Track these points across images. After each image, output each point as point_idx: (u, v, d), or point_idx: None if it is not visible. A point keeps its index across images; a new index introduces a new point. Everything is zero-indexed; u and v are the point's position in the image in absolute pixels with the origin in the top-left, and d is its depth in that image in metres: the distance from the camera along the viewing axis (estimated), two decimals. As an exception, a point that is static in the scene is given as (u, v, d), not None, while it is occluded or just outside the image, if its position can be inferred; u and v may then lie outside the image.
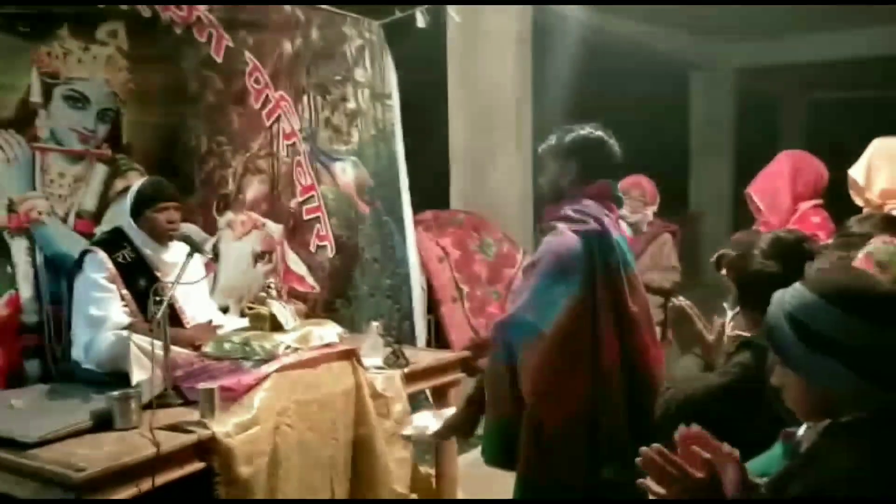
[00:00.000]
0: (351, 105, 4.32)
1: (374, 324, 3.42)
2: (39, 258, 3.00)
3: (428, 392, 3.71)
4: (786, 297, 1.38)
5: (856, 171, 3.01)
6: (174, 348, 2.71)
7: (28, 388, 2.85)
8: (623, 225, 2.56)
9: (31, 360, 2.97)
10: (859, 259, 1.91)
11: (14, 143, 2.95)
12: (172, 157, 3.52)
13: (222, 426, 2.45)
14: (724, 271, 2.18)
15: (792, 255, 1.92)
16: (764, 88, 12.81)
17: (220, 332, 3.03)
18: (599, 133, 2.49)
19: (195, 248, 2.85)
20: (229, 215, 3.74)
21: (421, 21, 4.39)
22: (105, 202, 3.23)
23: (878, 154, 2.98)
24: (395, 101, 4.59)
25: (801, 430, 1.45)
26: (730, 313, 2.26)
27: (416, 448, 3.23)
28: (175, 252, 2.98)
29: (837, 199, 3.21)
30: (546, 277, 2.32)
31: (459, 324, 5.35)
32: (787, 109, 14.30)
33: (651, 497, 1.41)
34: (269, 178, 3.92)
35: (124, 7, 3.25)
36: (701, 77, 11.52)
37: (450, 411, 2.81)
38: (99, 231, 3.15)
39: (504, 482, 2.60)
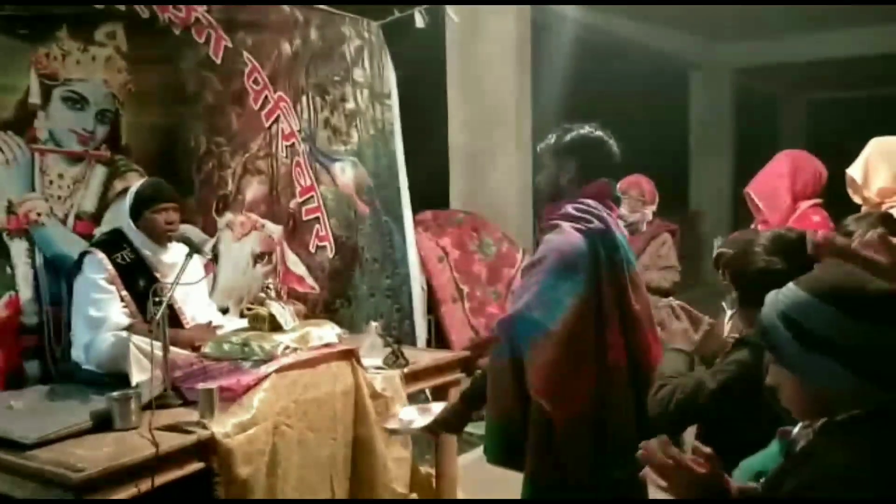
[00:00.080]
0: (350, 105, 4.32)
1: (374, 324, 3.42)
2: (39, 259, 3.00)
3: (428, 392, 3.71)
4: (779, 297, 1.38)
5: (854, 170, 3.01)
6: (173, 349, 2.72)
7: (28, 388, 2.86)
8: (620, 224, 2.55)
9: (30, 361, 2.97)
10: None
11: (13, 145, 2.96)
12: (171, 158, 3.52)
13: (222, 426, 2.46)
14: (720, 270, 2.18)
15: (795, 252, 1.91)
16: (763, 88, 12.82)
17: (219, 332, 3.03)
18: (599, 132, 2.48)
19: (194, 248, 2.84)
20: (228, 216, 3.74)
21: (420, 21, 4.39)
22: (104, 203, 3.23)
23: (875, 153, 2.98)
24: (395, 101, 4.59)
25: (797, 429, 1.45)
26: (729, 313, 2.25)
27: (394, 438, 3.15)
28: (174, 253, 2.99)
29: (837, 199, 3.21)
30: (551, 275, 2.29)
31: (459, 324, 5.36)
32: (787, 109, 14.33)
33: (652, 487, 1.41)
34: (269, 179, 3.92)
35: (123, 8, 3.26)
36: (700, 77, 11.53)
37: (436, 405, 2.78)
38: (98, 232, 3.15)
39: (504, 482, 2.60)
